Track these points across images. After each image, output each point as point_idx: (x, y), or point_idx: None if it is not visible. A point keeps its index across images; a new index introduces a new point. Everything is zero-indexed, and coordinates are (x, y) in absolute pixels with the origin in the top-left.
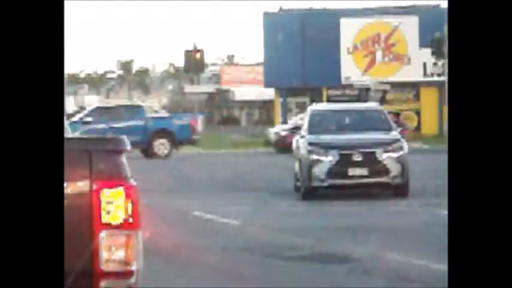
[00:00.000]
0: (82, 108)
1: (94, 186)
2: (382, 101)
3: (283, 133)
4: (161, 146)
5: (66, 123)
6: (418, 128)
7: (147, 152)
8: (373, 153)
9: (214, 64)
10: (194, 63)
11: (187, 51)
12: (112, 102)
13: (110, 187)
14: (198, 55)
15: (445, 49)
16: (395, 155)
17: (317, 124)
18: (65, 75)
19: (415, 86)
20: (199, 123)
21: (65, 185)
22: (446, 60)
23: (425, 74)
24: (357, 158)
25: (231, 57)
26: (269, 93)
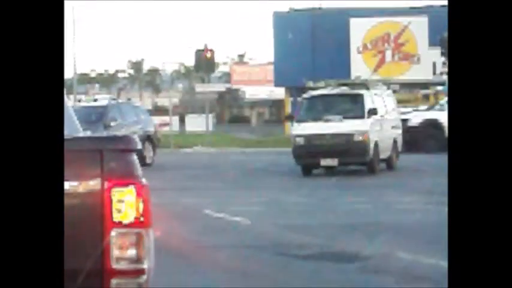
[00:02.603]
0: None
1: (105, 185)
2: None
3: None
4: None
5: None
6: None
7: None
8: None
9: (224, 63)
10: (205, 63)
11: (198, 51)
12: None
13: (121, 186)
14: (208, 54)
15: None
16: None
17: None
18: (76, 75)
19: (424, 86)
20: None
21: (76, 184)
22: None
23: (434, 74)
24: None
25: (241, 57)
26: (279, 93)
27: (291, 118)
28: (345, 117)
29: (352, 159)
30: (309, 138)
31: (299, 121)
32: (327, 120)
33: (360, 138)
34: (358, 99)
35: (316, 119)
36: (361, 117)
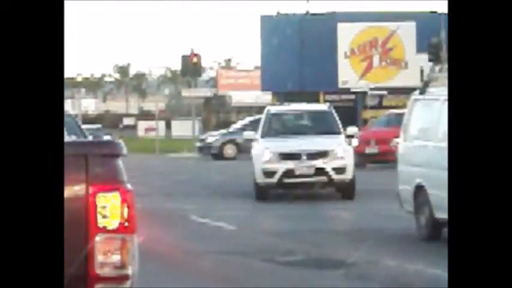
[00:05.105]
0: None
1: (90, 190)
2: (380, 105)
3: None
4: None
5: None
6: None
7: None
8: None
9: (211, 68)
10: (191, 68)
11: (184, 56)
12: None
13: (106, 191)
14: (195, 59)
15: (442, 54)
16: None
17: None
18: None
19: (412, 91)
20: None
21: None
22: (443, 65)
23: (422, 79)
24: None
25: (228, 61)
26: (266, 98)
27: None
28: None
29: None
30: None
31: None
32: None
33: None
34: None
35: None
36: None
